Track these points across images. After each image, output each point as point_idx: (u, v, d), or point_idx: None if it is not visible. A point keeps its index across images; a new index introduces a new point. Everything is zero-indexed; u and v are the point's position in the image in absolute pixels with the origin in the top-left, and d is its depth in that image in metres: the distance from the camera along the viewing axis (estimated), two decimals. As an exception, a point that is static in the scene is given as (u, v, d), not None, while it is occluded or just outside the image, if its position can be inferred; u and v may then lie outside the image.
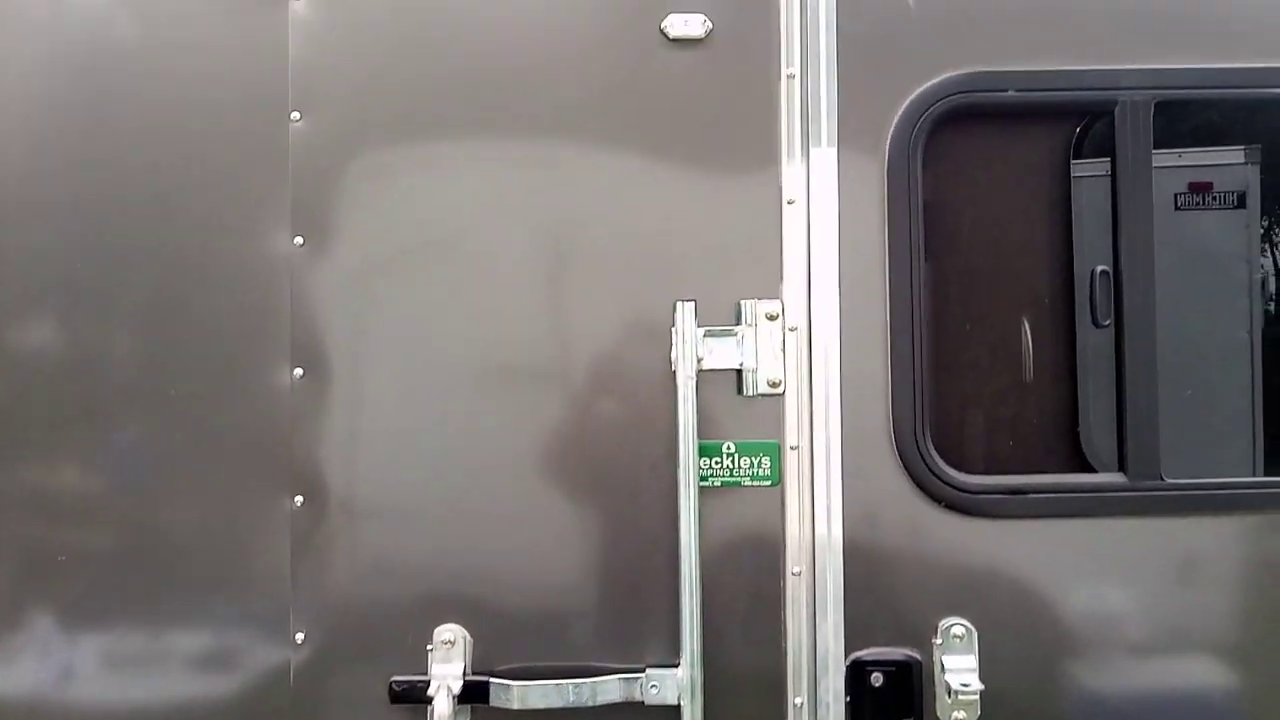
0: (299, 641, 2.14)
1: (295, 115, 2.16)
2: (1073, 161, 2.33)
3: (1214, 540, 2.20)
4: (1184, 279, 2.68)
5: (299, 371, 2.15)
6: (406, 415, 2.16)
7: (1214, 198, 2.84)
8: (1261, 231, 2.98)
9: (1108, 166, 2.27)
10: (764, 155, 2.19)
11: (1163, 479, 2.19)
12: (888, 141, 2.20)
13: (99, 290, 2.16)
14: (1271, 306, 3.01)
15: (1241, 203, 2.84)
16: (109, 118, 2.18)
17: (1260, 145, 2.83)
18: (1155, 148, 2.26)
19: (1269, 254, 3.01)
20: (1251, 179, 2.85)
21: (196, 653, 2.14)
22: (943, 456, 2.20)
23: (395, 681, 2.12)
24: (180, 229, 2.16)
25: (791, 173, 2.19)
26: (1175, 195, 2.82)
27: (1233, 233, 2.88)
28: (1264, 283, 2.93)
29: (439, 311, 2.17)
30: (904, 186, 2.19)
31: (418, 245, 2.17)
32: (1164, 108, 2.26)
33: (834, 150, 2.19)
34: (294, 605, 2.14)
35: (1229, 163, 2.85)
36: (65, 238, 2.17)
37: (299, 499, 2.15)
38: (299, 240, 2.15)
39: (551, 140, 2.18)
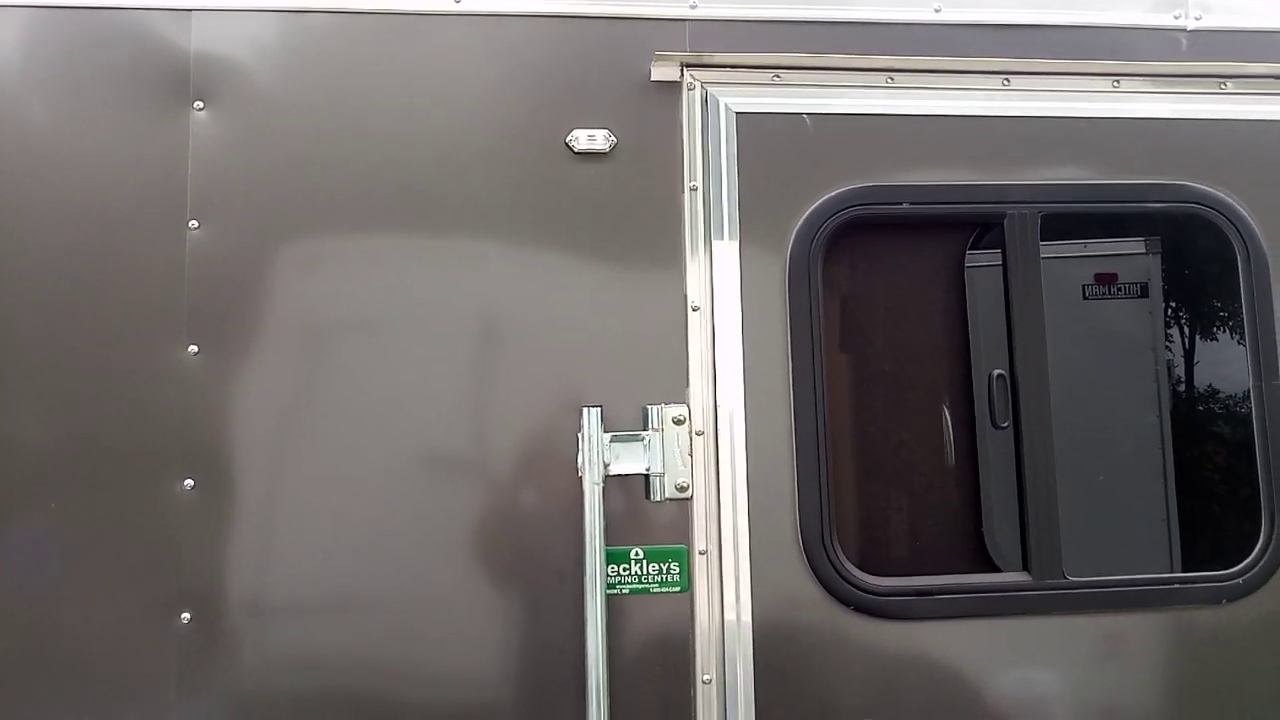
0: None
1: (193, 223, 2.17)
2: (968, 252, 2.43)
3: (1118, 637, 2.23)
4: (1094, 365, 2.78)
5: (189, 483, 2.10)
6: (300, 522, 2.11)
7: (1119, 288, 2.96)
8: (1165, 319, 3.10)
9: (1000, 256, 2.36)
10: (669, 262, 2.25)
11: (1065, 577, 2.22)
12: (789, 250, 2.27)
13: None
14: (1180, 389, 3.12)
15: (1145, 292, 2.96)
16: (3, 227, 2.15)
17: (1159, 236, 2.97)
18: (1063, 239, 2.34)
19: (1175, 339, 3.13)
20: (1153, 268, 2.98)
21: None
22: (850, 559, 2.21)
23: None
24: (76, 331, 2.12)
25: (695, 279, 2.24)
26: (1083, 286, 2.93)
27: (1138, 320, 2.99)
28: (1170, 367, 3.03)
29: (332, 407, 2.14)
30: (805, 293, 2.25)
31: (314, 351, 2.16)
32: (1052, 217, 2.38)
33: (736, 258, 2.26)
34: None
35: (1131, 253, 2.98)
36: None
37: (185, 615, 2.07)
38: (194, 349, 2.13)
39: (457, 246, 2.21)
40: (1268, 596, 2.26)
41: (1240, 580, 2.27)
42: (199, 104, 2.19)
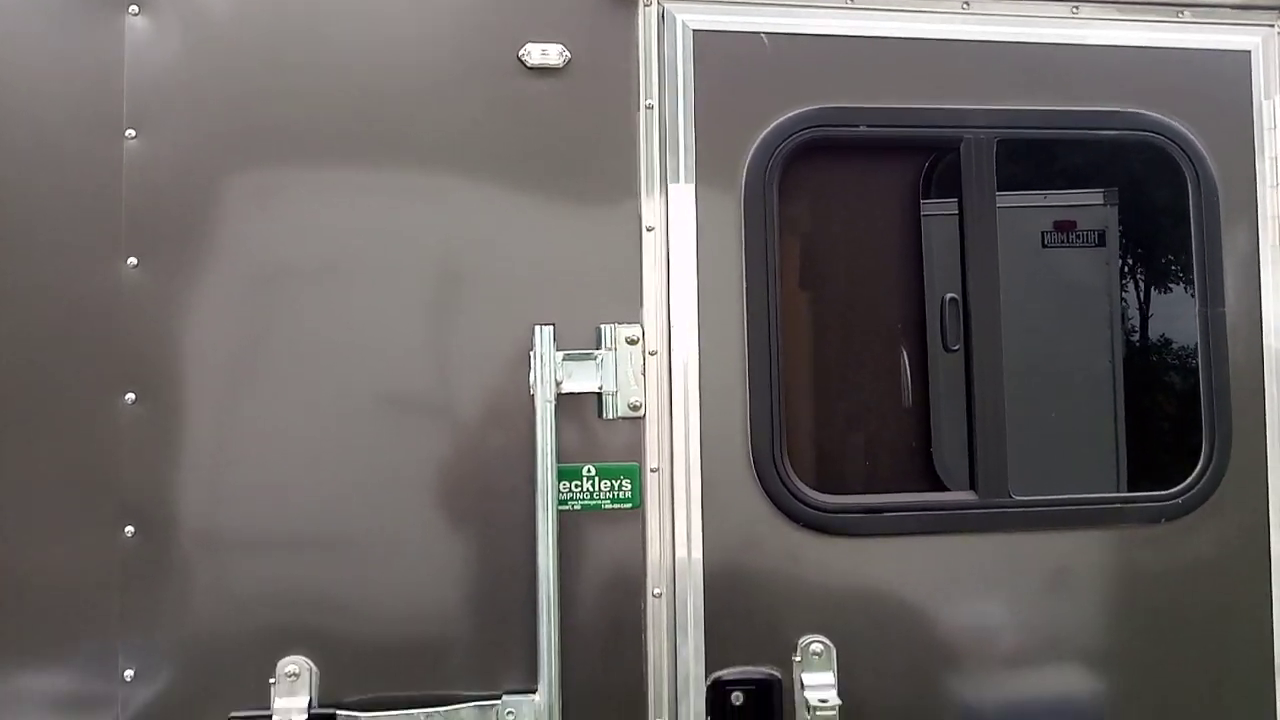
0: (128, 679, 2.03)
1: (130, 132, 2.11)
2: (922, 201, 2.44)
3: (1060, 553, 2.28)
4: (1051, 312, 2.81)
5: (131, 396, 2.07)
6: (246, 439, 2.09)
7: (1077, 236, 2.99)
8: (1121, 267, 3.15)
9: (955, 205, 2.37)
10: (623, 183, 2.23)
11: (1010, 496, 2.26)
12: (744, 171, 2.26)
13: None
14: (1135, 338, 3.17)
15: (1102, 241, 3.00)
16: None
17: (1117, 188, 3.01)
18: (1024, 189, 2.36)
19: (1128, 288, 3.18)
20: (1110, 219, 3.02)
21: (15, 692, 2.01)
22: (801, 478, 2.23)
23: (234, 718, 2.02)
24: (7, 240, 2.07)
25: (650, 200, 2.23)
26: (1042, 233, 2.97)
27: (1094, 268, 3.03)
28: (1124, 315, 3.08)
29: (279, 334, 2.12)
30: (760, 214, 2.25)
31: (258, 267, 2.13)
32: (1023, 149, 2.38)
33: (692, 178, 2.24)
34: (122, 641, 2.04)
35: (1090, 204, 3.01)
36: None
37: (129, 529, 2.05)
38: (133, 261, 2.09)
39: (407, 163, 2.17)
40: (1205, 516, 2.32)
41: (1180, 500, 2.32)
42: (134, 8, 2.13)
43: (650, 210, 2.23)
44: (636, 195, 2.23)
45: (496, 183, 2.19)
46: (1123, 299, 3.10)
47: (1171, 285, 2.98)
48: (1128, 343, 3.05)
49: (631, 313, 2.21)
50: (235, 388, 2.10)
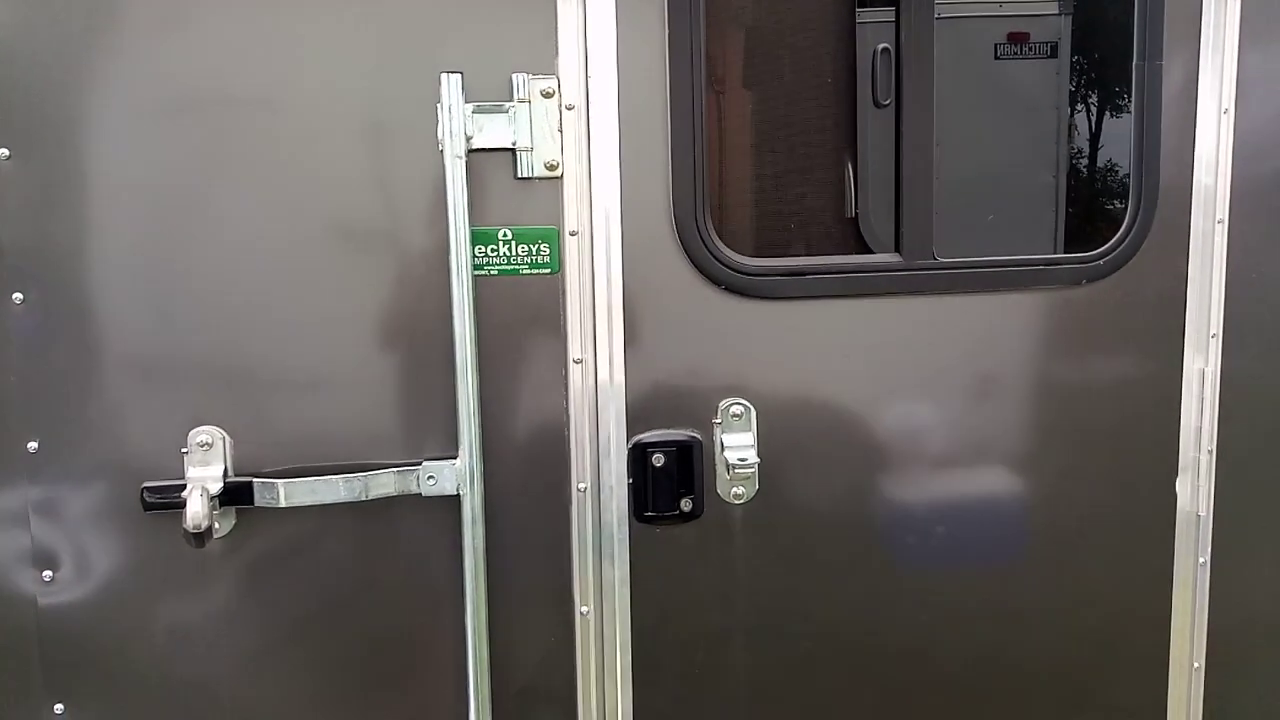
0: (32, 451, 1.97)
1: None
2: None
3: (982, 316, 2.28)
4: (1000, 123, 2.75)
5: (4, 152, 1.90)
6: (152, 203, 1.95)
7: (1030, 48, 2.89)
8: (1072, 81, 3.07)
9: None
10: (534, -85, 2.02)
11: (935, 258, 2.23)
12: (668, -93, 2.06)
13: None
14: (1082, 151, 3.14)
15: (1054, 53, 2.90)
16: None
17: None
18: None
19: (1079, 102, 3.11)
20: (1064, 29, 2.90)
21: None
22: (725, 241, 2.17)
23: (147, 488, 1.98)
24: None
25: (565, -64, 2.03)
26: (995, 45, 2.86)
27: (1045, 81, 2.95)
28: (1071, 129, 3.04)
29: (186, 94, 1.94)
30: (685, -44, 2.07)
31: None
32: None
33: (610, -87, 2.04)
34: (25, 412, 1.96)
35: (1044, 14, 2.89)
36: None
37: (17, 296, 1.93)
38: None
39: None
40: (1127, 276, 2.32)
41: (1102, 261, 2.31)
42: None
43: (565, -51, 2.03)
44: (550, -70, 2.03)
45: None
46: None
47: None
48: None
49: (547, 63, 2.05)
50: (136, 150, 1.93)
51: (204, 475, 1.97)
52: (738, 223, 2.27)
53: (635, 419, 2.15)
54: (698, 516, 2.19)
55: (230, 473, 2.01)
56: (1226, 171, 2.33)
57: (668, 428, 2.17)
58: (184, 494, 1.93)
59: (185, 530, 1.88)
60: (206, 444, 2.00)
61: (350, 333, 2.05)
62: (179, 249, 1.98)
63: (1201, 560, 2.43)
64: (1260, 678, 2.52)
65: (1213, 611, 2.44)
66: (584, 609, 2.18)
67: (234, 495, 1.99)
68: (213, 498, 1.94)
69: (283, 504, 1.98)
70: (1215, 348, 2.36)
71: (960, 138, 2.46)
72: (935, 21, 2.17)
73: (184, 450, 1.99)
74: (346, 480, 2.01)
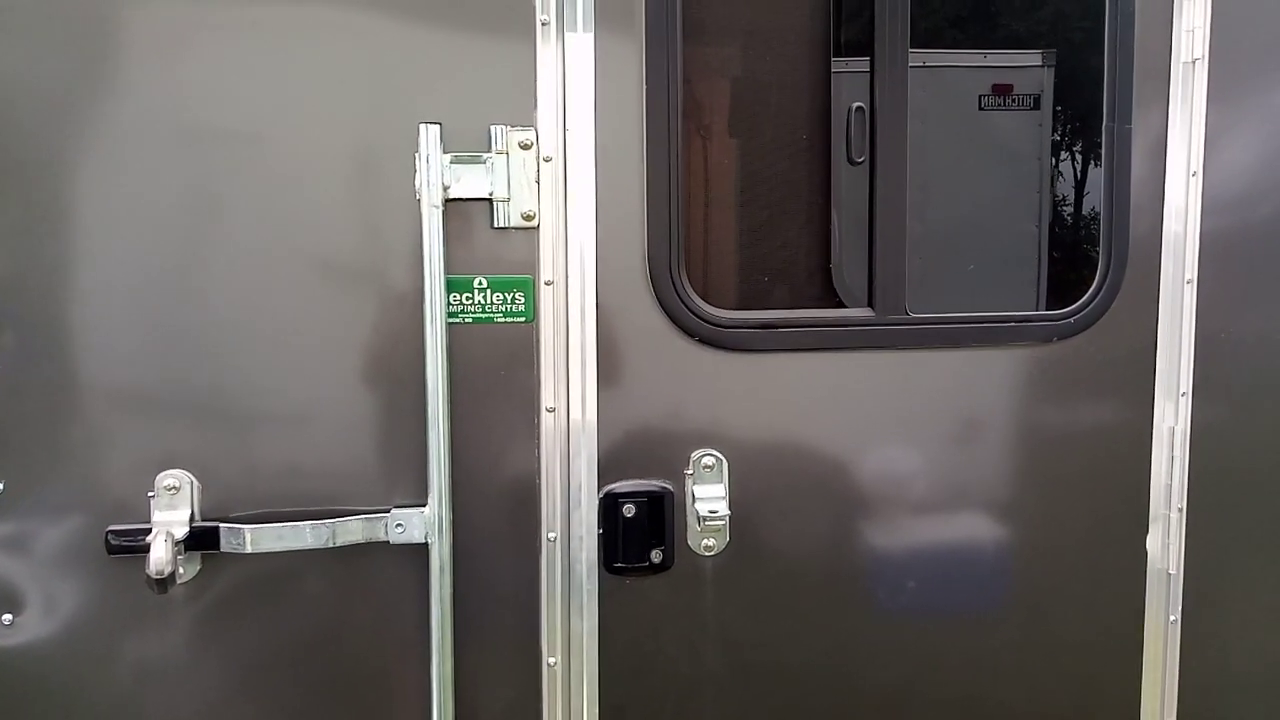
0: (-2, 491, 1.96)
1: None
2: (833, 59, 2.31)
3: (953, 372, 2.30)
4: (984, 173, 2.79)
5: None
6: (124, 249, 1.96)
7: (1013, 99, 2.95)
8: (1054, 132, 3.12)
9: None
10: (516, -28, 2.05)
11: (908, 313, 2.25)
12: (647, -36, 2.10)
13: None
14: (1065, 200, 3.18)
15: (1037, 104, 2.95)
16: None
17: (1055, 50, 2.93)
18: (962, 48, 2.23)
19: (1061, 152, 3.16)
20: (1046, 81, 2.96)
21: None
22: (698, 292, 2.18)
23: (111, 532, 1.97)
24: None
25: (545, -8, 2.06)
26: (980, 97, 2.91)
27: (1028, 132, 3.00)
28: (1054, 179, 3.08)
29: (165, 135, 1.95)
30: (663, 10, 2.10)
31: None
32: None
33: (591, -30, 2.08)
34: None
35: (1028, 65, 2.95)
36: None
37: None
38: None
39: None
40: (1097, 334, 2.34)
41: (1073, 319, 2.34)
42: None
43: (543, 2, 2.06)
44: (530, -14, 2.06)
45: (377, -34, 2.00)
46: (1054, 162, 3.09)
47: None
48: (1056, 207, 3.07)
49: (525, 115, 2.08)
50: (113, 190, 1.93)
51: (170, 519, 1.96)
52: (711, 275, 2.28)
53: (606, 469, 2.15)
54: (668, 568, 2.18)
55: (197, 517, 1.99)
56: (1195, 231, 2.36)
57: (639, 478, 2.17)
58: (148, 538, 1.91)
59: (148, 576, 1.86)
60: (173, 487, 1.98)
61: (323, 377, 2.05)
62: (151, 293, 1.98)
63: (1172, 618, 2.43)
64: (1231, 735, 2.51)
65: (1183, 668, 2.44)
66: (551, 660, 2.17)
67: (200, 540, 1.98)
68: (178, 542, 1.93)
69: (249, 550, 1.97)
70: (1185, 406, 2.38)
71: (945, 187, 2.50)
72: (921, 72, 2.21)
73: (150, 495, 1.98)
74: (314, 527, 2.00)
